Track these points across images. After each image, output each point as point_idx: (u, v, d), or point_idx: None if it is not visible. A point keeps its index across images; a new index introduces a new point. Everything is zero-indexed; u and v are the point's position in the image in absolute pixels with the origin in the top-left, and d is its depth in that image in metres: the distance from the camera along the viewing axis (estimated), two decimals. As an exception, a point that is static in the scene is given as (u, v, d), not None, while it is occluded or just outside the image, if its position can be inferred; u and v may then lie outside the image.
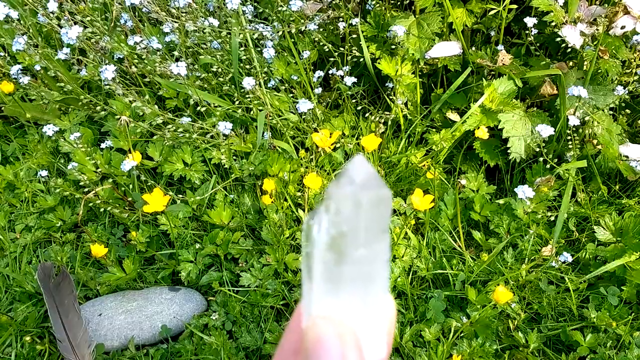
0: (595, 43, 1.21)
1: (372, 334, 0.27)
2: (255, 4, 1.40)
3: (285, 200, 1.20)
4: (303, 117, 1.26)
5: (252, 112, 1.25)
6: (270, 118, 1.24)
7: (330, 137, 1.09)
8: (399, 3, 1.38)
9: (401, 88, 1.32)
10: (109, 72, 1.06)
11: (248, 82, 1.13)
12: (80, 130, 1.33)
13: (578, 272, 1.15)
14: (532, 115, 1.26)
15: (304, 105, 1.12)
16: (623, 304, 1.07)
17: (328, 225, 0.25)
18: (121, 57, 1.27)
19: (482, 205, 1.21)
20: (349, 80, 1.25)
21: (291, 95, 1.30)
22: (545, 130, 1.12)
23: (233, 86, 1.27)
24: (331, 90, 1.40)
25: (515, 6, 1.32)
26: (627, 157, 1.21)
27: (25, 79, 1.25)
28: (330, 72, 1.33)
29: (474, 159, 1.34)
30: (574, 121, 1.13)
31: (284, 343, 0.29)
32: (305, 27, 1.26)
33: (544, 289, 1.10)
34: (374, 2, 1.37)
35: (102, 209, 1.18)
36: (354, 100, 1.34)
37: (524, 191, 1.09)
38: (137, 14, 1.35)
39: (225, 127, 1.16)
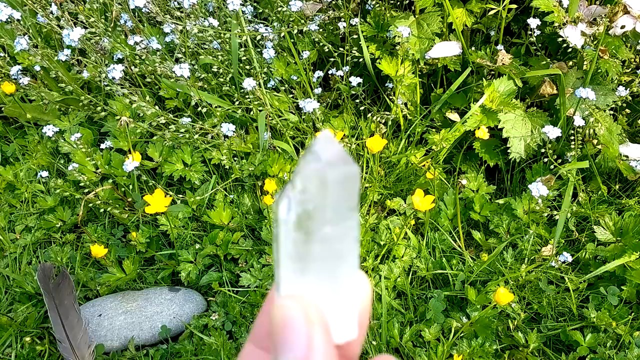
0: (595, 43, 1.21)
1: (342, 314, 0.26)
2: (255, 4, 1.40)
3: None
4: (303, 117, 1.26)
5: (252, 113, 1.25)
6: (270, 118, 1.24)
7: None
8: (398, 3, 1.38)
9: (401, 88, 1.32)
10: (116, 71, 1.05)
11: (248, 83, 1.13)
12: (80, 130, 1.33)
13: (578, 272, 1.15)
14: (532, 115, 1.26)
15: (310, 104, 1.12)
16: (623, 303, 1.07)
17: (295, 204, 0.25)
18: (121, 57, 1.27)
19: (482, 205, 1.21)
20: (354, 80, 1.25)
21: (291, 95, 1.30)
22: (553, 132, 1.11)
23: (233, 86, 1.27)
24: (331, 90, 1.40)
25: (515, 6, 1.32)
26: (627, 156, 1.21)
27: (25, 80, 1.25)
28: (330, 72, 1.33)
29: (474, 159, 1.34)
30: (578, 122, 1.13)
31: (256, 325, 0.28)
32: (307, 28, 1.26)
33: (543, 289, 1.10)
34: (373, 2, 1.37)
35: (102, 210, 1.18)
36: (357, 101, 1.34)
37: (538, 188, 1.06)
38: (136, 14, 1.35)
39: (228, 129, 1.16)
